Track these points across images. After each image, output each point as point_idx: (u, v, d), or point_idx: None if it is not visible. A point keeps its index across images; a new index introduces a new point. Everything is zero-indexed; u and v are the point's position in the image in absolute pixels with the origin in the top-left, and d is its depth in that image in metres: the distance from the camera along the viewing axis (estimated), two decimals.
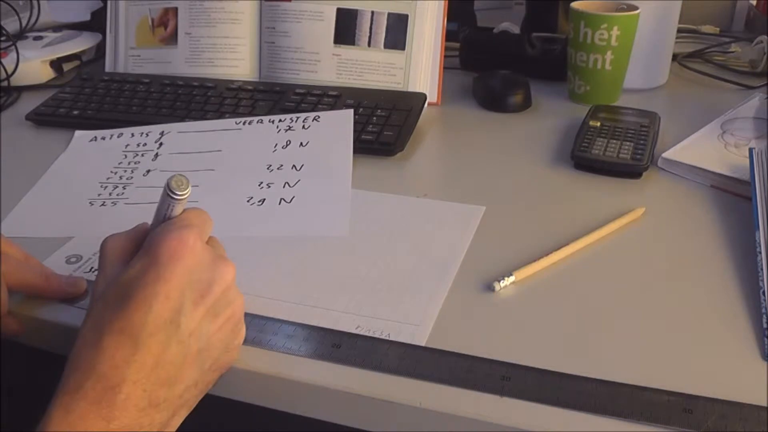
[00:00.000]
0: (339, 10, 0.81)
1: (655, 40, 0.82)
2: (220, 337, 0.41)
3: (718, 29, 1.07)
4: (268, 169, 0.65)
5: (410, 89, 0.80)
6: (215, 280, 0.40)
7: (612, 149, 0.66)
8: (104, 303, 0.38)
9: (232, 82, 0.82)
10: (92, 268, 0.53)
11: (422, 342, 0.44)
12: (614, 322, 0.46)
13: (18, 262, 0.48)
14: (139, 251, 0.40)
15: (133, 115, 0.77)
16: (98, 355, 0.36)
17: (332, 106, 0.75)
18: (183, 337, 0.38)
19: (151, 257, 0.38)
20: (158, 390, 0.37)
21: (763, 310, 0.45)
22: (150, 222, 0.43)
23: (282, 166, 0.65)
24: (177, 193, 0.40)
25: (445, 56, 0.81)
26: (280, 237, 0.56)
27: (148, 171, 0.66)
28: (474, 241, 0.55)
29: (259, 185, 0.63)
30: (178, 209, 0.41)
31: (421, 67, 0.80)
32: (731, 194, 0.61)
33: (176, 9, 0.86)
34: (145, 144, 0.71)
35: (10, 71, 0.86)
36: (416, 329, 0.45)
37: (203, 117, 0.75)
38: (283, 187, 0.62)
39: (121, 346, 0.36)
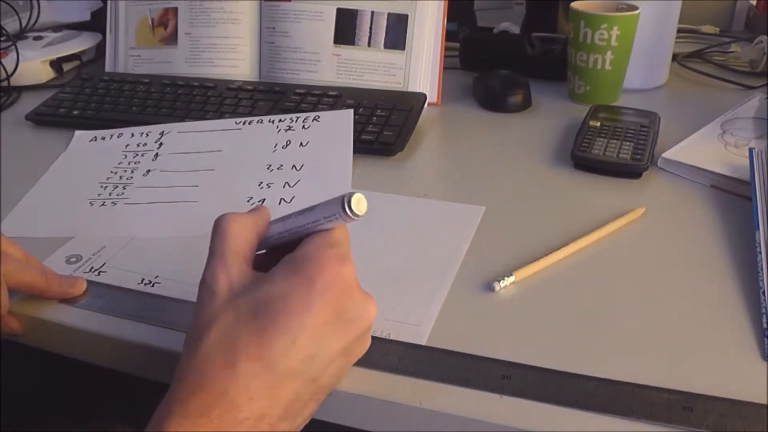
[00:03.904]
0: (339, 10, 0.81)
1: (655, 40, 0.82)
2: (340, 373, 0.38)
3: (718, 29, 1.07)
4: (268, 169, 0.65)
5: (410, 89, 0.80)
6: (360, 319, 0.37)
7: (612, 149, 0.66)
8: (237, 316, 0.35)
9: (232, 82, 0.82)
10: (92, 267, 0.53)
11: (422, 341, 0.44)
12: (614, 321, 0.46)
13: (18, 261, 0.48)
14: (283, 262, 0.37)
15: (133, 115, 0.77)
16: (231, 380, 0.33)
17: (332, 106, 0.75)
18: (317, 374, 0.36)
19: (303, 281, 0.35)
20: (281, 424, 0.35)
21: (763, 310, 0.45)
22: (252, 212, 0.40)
23: (282, 166, 0.65)
24: (357, 214, 0.36)
25: (445, 56, 0.81)
26: None
27: (148, 171, 0.66)
28: (474, 241, 0.55)
29: (259, 185, 0.63)
30: (335, 222, 0.38)
31: (421, 67, 0.80)
32: (731, 194, 0.60)
33: (176, 9, 0.86)
34: (145, 144, 0.71)
35: (10, 71, 0.86)
36: (416, 329, 0.45)
37: (203, 117, 0.75)
38: (283, 187, 0.62)
39: (257, 376, 0.33)
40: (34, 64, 0.89)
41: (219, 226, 0.39)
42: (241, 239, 0.38)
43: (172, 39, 0.87)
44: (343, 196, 0.36)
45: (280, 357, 0.34)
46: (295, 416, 0.36)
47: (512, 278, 0.49)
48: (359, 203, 0.36)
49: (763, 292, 0.47)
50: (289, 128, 0.70)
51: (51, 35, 0.95)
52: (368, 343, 0.40)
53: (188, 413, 0.32)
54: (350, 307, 0.36)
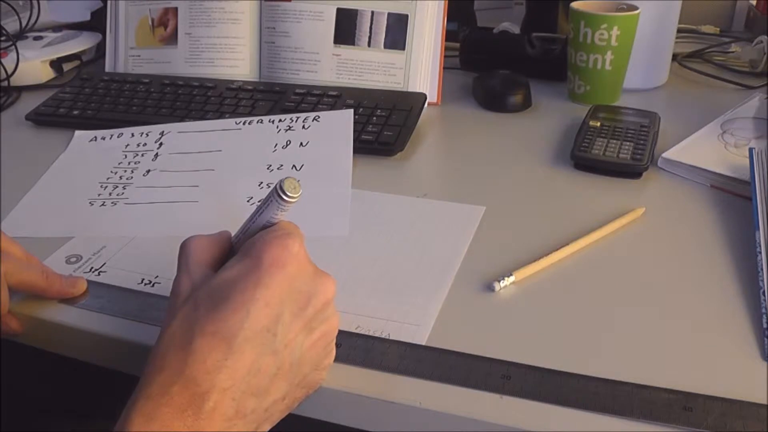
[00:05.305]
0: (339, 10, 0.81)
1: (655, 40, 0.82)
2: (313, 354, 0.39)
3: (718, 29, 1.07)
4: (268, 169, 0.65)
5: (410, 89, 0.80)
6: (316, 293, 0.38)
7: (612, 149, 0.66)
8: (195, 304, 0.36)
9: (232, 82, 0.82)
10: (92, 268, 0.53)
11: (422, 341, 0.44)
12: (614, 321, 0.46)
13: (19, 261, 0.48)
14: (234, 255, 0.39)
15: (133, 115, 0.77)
16: (188, 356, 0.34)
17: (332, 106, 0.75)
18: (278, 348, 0.36)
19: (252, 261, 0.37)
20: (247, 400, 0.35)
21: (763, 310, 0.45)
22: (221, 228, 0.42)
23: (282, 166, 0.65)
24: (291, 195, 0.38)
25: (445, 56, 0.81)
26: None
27: (148, 171, 0.66)
28: (474, 241, 0.55)
29: (259, 185, 0.63)
30: (280, 215, 0.39)
31: (421, 67, 0.80)
32: (731, 194, 0.61)
33: (176, 9, 0.86)
34: (145, 144, 0.71)
35: (10, 71, 0.86)
36: (416, 329, 0.45)
37: (203, 117, 0.75)
38: None
39: (213, 350, 0.34)
40: (34, 64, 0.89)
41: (181, 248, 0.41)
42: (201, 251, 0.40)
43: (172, 39, 0.87)
44: (276, 183, 0.38)
45: (236, 329, 0.35)
46: (262, 392, 0.36)
47: (512, 278, 0.49)
48: (291, 185, 0.38)
49: (763, 292, 0.47)
50: (289, 128, 0.70)
51: (51, 35, 0.95)
52: (334, 321, 0.40)
53: (151, 395, 0.33)
54: (302, 281, 0.38)
